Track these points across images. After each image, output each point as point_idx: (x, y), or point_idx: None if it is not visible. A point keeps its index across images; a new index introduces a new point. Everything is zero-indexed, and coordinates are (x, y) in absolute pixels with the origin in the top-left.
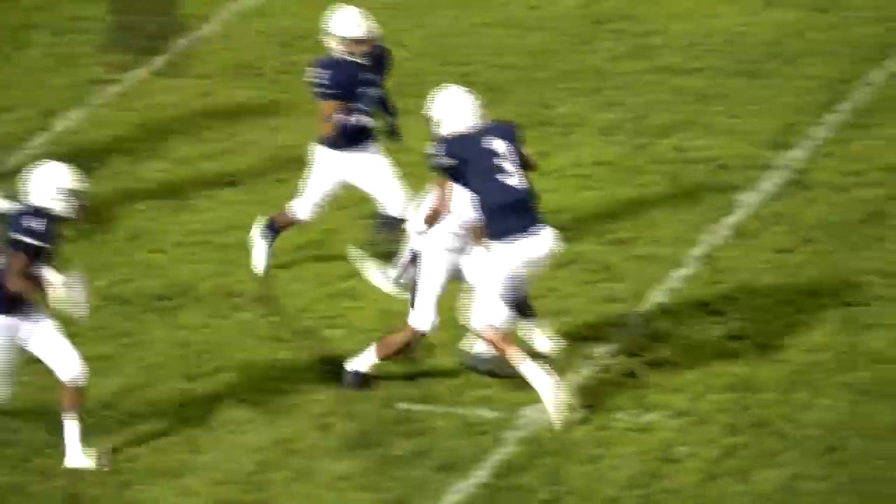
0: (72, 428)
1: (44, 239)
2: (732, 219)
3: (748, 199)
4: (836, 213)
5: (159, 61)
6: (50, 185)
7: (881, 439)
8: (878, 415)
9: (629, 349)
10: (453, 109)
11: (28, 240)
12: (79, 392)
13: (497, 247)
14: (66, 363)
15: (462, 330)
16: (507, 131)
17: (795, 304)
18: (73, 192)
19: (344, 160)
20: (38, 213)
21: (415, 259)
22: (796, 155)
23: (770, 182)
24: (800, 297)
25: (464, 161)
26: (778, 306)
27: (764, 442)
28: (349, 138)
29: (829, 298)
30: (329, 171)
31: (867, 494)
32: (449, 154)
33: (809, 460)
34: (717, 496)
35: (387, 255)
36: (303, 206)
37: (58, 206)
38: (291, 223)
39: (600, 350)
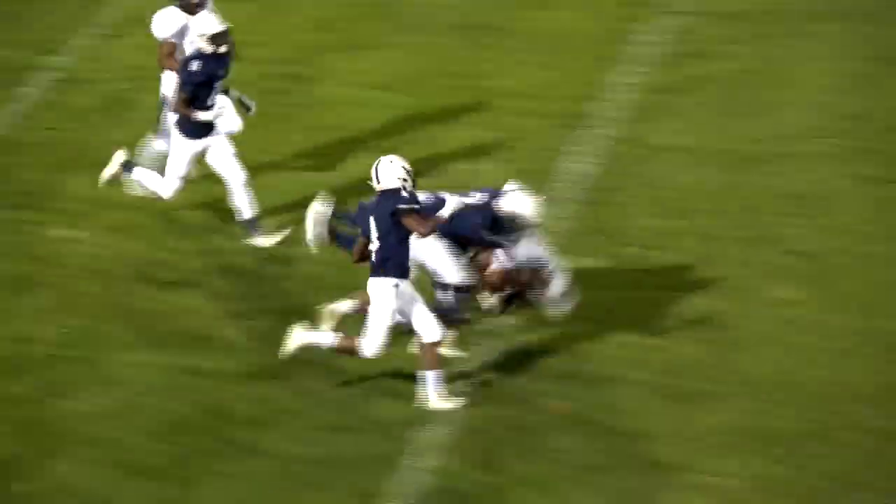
0: (432, 379)
1: (415, 202)
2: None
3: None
4: (87, 101)
5: None
6: (396, 170)
7: None
8: None
9: None
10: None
11: (406, 206)
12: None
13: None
14: (430, 326)
15: None
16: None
17: None
18: (409, 171)
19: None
20: (395, 191)
21: None
22: (58, 59)
23: (40, 80)
24: None
25: None
26: None
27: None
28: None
29: None
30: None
31: None
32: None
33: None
34: None
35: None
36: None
37: (404, 183)
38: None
39: None
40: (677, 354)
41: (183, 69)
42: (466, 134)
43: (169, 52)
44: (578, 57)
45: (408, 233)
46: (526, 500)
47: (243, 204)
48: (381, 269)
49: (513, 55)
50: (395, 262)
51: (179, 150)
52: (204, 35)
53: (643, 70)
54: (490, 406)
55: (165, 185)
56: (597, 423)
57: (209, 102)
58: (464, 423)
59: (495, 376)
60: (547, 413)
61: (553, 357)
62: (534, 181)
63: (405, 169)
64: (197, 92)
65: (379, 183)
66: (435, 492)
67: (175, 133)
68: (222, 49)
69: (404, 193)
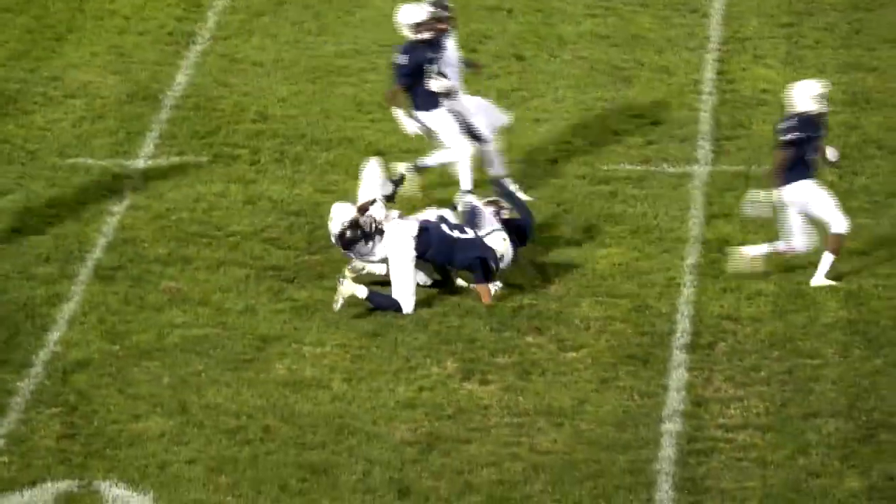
0: (827, 260)
1: (794, 132)
2: None
3: None
4: None
5: None
6: (806, 93)
7: None
8: None
9: None
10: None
11: (785, 138)
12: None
13: None
14: (837, 218)
15: None
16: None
17: None
18: (823, 96)
19: None
20: (793, 116)
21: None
22: None
23: None
24: None
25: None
26: None
27: None
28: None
29: None
30: None
31: None
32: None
33: None
34: None
35: None
36: None
37: (815, 106)
38: None
39: None
40: (282, 242)
41: (394, 66)
42: (85, 51)
43: None
44: None
45: (801, 150)
46: (142, 366)
47: (465, 174)
48: (782, 179)
49: None
50: (793, 174)
51: (435, 122)
52: (405, 24)
53: None
54: (111, 285)
55: (457, 152)
56: (207, 303)
57: (424, 87)
58: (90, 299)
59: (122, 260)
60: (161, 292)
61: (167, 246)
62: (147, 91)
63: (820, 93)
64: (410, 83)
65: (793, 106)
66: (63, 360)
67: (423, 115)
68: (427, 35)
69: (790, 122)
